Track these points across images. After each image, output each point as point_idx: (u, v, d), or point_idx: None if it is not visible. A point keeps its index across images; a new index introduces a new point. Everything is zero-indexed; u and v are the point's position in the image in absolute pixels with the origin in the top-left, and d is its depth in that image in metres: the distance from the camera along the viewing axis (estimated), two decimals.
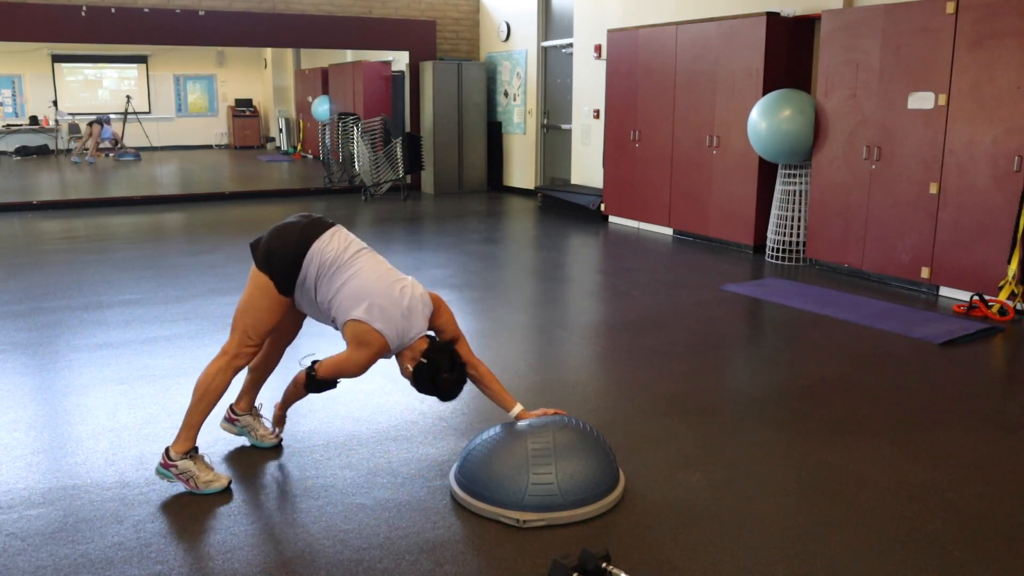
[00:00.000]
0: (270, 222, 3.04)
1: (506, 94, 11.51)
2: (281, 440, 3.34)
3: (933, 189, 5.76)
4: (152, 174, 14.20)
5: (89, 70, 18.67)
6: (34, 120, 17.82)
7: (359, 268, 2.88)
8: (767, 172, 7.18)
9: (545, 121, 11.01)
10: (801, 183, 6.88)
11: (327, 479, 3.04)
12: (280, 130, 18.72)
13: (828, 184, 6.53)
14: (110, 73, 18.87)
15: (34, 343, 4.65)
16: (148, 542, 2.60)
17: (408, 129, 11.77)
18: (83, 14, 9.80)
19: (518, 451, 2.79)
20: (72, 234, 8.30)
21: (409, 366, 2.88)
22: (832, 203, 6.51)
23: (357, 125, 11.01)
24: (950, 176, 5.66)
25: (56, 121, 17.90)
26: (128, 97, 17.88)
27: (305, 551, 2.56)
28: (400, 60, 13.11)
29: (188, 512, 2.79)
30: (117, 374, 4.15)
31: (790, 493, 2.93)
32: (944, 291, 5.83)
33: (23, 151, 17.21)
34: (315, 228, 2.93)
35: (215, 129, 19.90)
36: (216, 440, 3.33)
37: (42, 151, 17.57)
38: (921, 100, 5.79)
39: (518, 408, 3.03)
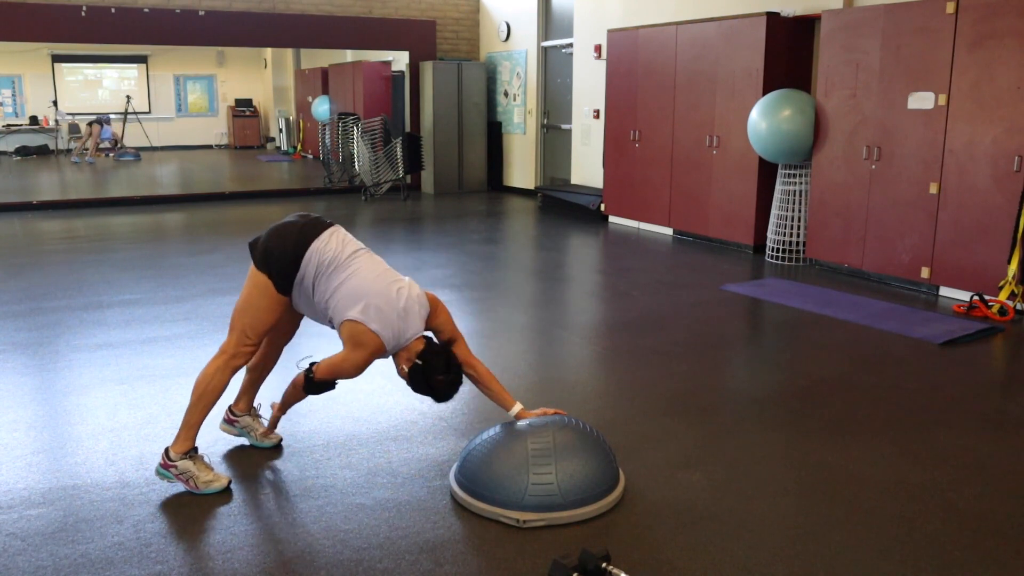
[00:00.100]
0: (270, 222, 3.04)
1: (506, 94, 11.51)
2: (281, 440, 3.34)
3: (933, 189, 5.76)
4: (152, 174, 14.20)
5: (89, 70, 18.68)
6: (34, 120, 17.82)
7: (356, 268, 2.88)
8: (767, 172, 7.18)
9: (545, 121, 11.01)
10: (801, 183, 6.88)
11: (327, 479, 3.04)
12: (280, 130, 18.73)
13: (828, 184, 6.53)
14: (110, 73, 18.88)
15: (34, 343, 4.65)
16: (148, 542, 2.60)
17: (408, 129, 11.77)
18: (83, 14, 9.81)
19: (518, 451, 2.79)
20: (72, 234, 8.30)
21: (405, 367, 2.88)
22: (832, 203, 6.51)
23: (357, 125, 11.01)
24: (950, 176, 5.66)
25: (56, 121, 17.90)
26: (128, 97, 17.89)
27: (305, 551, 2.56)
28: (400, 60, 13.12)
29: (188, 512, 2.79)
30: (117, 374, 4.15)
31: (790, 493, 2.93)
32: (944, 291, 5.83)
33: (23, 151, 17.21)
34: (314, 228, 2.93)
35: (215, 129, 19.90)
36: (216, 440, 3.33)
37: (42, 151, 17.58)
38: (921, 100, 5.79)
39: (518, 407, 3.03)
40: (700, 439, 3.40)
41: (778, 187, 6.99)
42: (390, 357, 2.94)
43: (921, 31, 5.73)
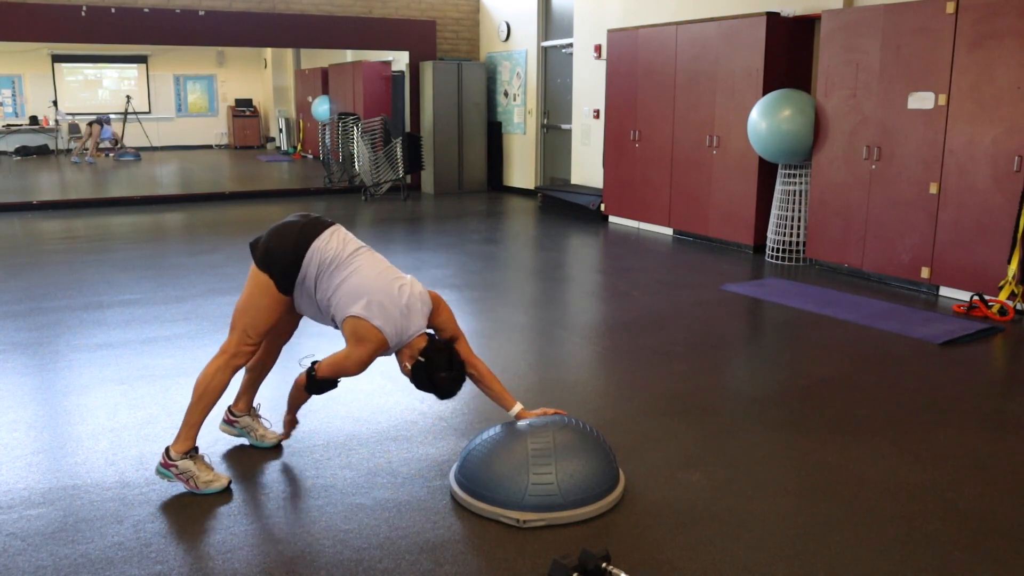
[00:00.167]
0: (270, 222, 3.04)
1: (506, 94, 11.51)
2: (281, 440, 3.34)
3: (933, 189, 5.76)
4: (152, 174, 14.21)
5: (89, 70, 18.68)
6: (34, 120, 17.82)
7: (358, 266, 2.88)
8: (767, 172, 7.18)
9: (545, 121, 11.01)
10: (801, 183, 6.88)
11: (327, 479, 3.04)
12: (280, 130, 18.73)
13: (828, 184, 6.53)
14: (110, 73, 18.88)
15: (34, 343, 4.65)
16: (148, 542, 2.60)
17: (408, 129, 11.77)
18: (83, 14, 9.80)
19: (518, 451, 2.79)
20: (72, 234, 8.30)
21: (408, 364, 2.88)
22: (832, 203, 6.51)
23: (357, 125, 11.01)
24: (950, 176, 5.66)
25: (56, 121, 17.90)
26: (128, 97, 17.89)
27: (305, 551, 2.56)
28: (400, 60, 13.11)
29: (188, 512, 2.79)
30: (117, 374, 4.15)
31: (790, 493, 2.93)
32: (944, 291, 5.83)
33: (23, 151, 17.21)
34: (314, 227, 2.94)
35: (215, 129, 19.90)
36: (216, 440, 3.33)
37: (42, 151, 17.58)
38: (921, 100, 5.79)
39: (518, 407, 3.03)
40: (700, 439, 3.40)
41: (778, 187, 6.99)
42: (392, 355, 2.94)
43: (921, 31, 5.73)
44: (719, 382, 4.12)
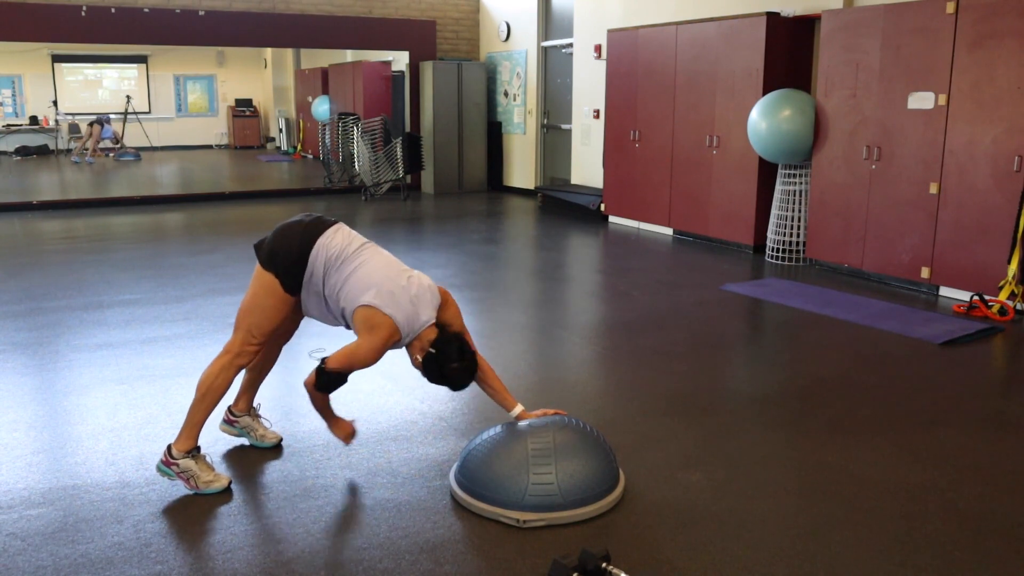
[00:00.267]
0: (270, 222, 3.04)
1: (506, 94, 11.51)
2: (281, 440, 3.35)
3: (933, 189, 5.76)
4: (152, 174, 14.21)
5: (89, 70, 18.68)
6: (34, 120, 17.83)
7: (365, 259, 2.90)
8: (767, 172, 7.18)
9: (545, 121, 11.01)
10: (801, 183, 6.88)
11: (327, 479, 3.04)
12: (280, 130, 18.73)
13: (828, 184, 6.53)
14: (110, 73, 18.88)
15: (34, 343, 4.65)
16: (148, 542, 2.60)
17: (408, 129, 11.77)
18: (83, 14, 9.80)
19: (518, 451, 2.79)
20: (72, 234, 8.30)
21: (419, 356, 2.87)
22: (832, 203, 6.51)
23: (357, 125, 11.01)
24: (950, 176, 5.66)
25: (56, 121, 17.90)
26: (128, 97, 17.89)
27: (305, 551, 2.56)
28: (400, 60, 13.12)
29: (188, 512, 2.79)
30: (117, 374, 4.15)
31: (790, 493, 2.93)
32: (944, 291, 5.83)
33: (23, 151, 17.21)
34: (318, 226, 2.96)
35: (215, 129, 19.91)
36: (216, 440, 3.33)
37: (42, 151, 17.58)
38: (921, 100, 5.79)
39: (519, 409, 3.03)
40: (700, 439, 3.40)
41: (778, 187, 6.99)
42: (400, 349, 2.93)
43: (921, 31, 5.73)
44: (719, 382, 4.12)
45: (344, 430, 3.12)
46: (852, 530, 2.68)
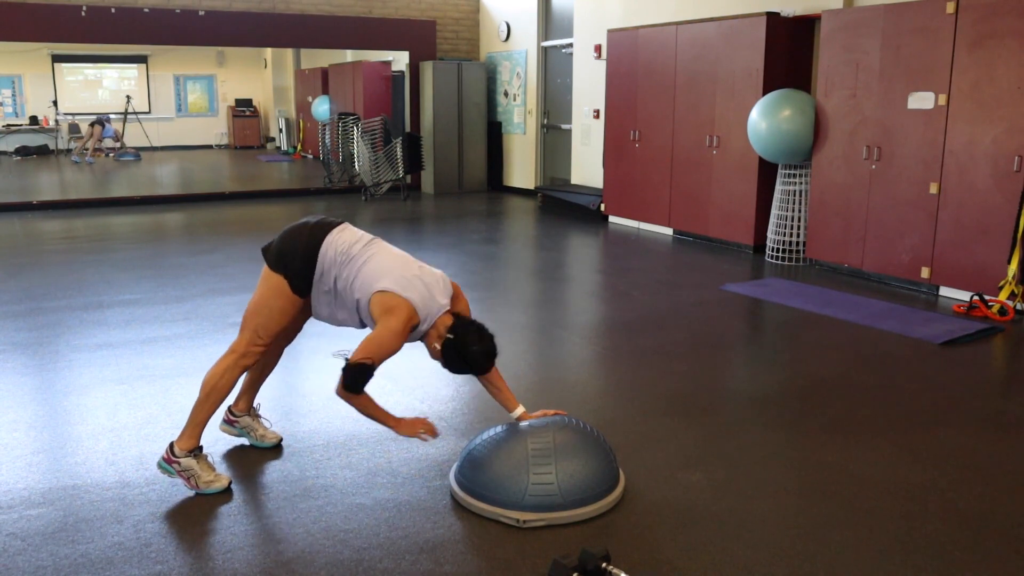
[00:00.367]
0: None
1: (506, 94, 11.51)
2: (281, 440, 3.35)
3: (933, 189, 5.76)
4: (152, 174, 14.21)
5: (89, 70, 18.68)
6: (34, 120, 17.83)
7: (375, 251, 2.91)
8: (767, 172, 7.18)
9: (545, 121, 11.01)
10: (801, 183, 6.88)
11: (327, 479, 3.04)
12: (280, 130, 18.73)
13: (828, 184, 6.53)
14: (110, 73, 18.87)
15: (34, 343, 4.65)
16: (148, 542, 2.60)
17: (408, 129, 11.77)
18: (83, 14, 9.80)
19: (518, 451, 2.79)
20: (72, 234, 8.30)
21: (437, 345, 2.85)
22: (832, 203, 6.51)
23: (357, 125, 11.01)
24: (950, 176, 5.66)
25: (56, 121, 17.90)
26: (128, 97, 17.89)
27: (305, 551, 2.56)
28: (400, 60, 13.12)
29: (188, 512, 2.79)
30: (117, 374, 4.15)
31: (790, 493, 2.93)
32: (944, 291, 5.83)
33: (23, 151, 17.21)
34: (325, 226, 2.98)
35: (215, 129, 19.90)
36: (216, 440, 3.33)
37: (42, 151, 17.58)
38: (921, 100, 5.79)
39: (520, 410, 3.03)
40: (700, 439, 3.40)
41: (778, 187, 6.99)
42: (419, 340, 2.92)
43: (921, 31, 5.73)
44: (719, 382, 4.12)
45: (414, 427, 2.88)
46: (852, 530, 2.68)
